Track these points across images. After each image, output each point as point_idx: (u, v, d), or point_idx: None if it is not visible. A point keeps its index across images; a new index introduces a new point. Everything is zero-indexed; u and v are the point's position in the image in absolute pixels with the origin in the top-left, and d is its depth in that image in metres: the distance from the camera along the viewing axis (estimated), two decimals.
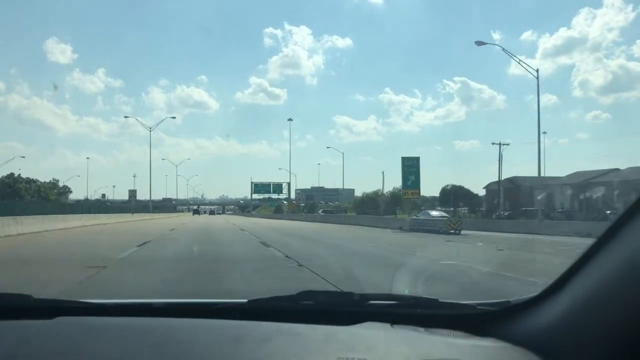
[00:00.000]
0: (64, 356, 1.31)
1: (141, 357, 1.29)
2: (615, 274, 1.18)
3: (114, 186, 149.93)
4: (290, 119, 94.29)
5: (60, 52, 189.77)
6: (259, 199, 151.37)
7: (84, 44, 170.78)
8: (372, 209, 71.85)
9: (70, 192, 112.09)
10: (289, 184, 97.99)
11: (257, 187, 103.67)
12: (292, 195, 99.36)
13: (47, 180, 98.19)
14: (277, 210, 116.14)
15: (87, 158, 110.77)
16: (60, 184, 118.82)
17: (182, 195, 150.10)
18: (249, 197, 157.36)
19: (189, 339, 1.38)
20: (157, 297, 2.66)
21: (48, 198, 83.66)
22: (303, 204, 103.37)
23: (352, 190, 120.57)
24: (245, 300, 1.72)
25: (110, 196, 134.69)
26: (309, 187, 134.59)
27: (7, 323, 1.53)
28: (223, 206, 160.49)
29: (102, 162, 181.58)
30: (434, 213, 32.55)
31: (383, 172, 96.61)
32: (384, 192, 77.37)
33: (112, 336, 1.45)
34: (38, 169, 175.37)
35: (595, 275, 1.24)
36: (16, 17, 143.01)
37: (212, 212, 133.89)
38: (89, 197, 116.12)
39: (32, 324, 1.53)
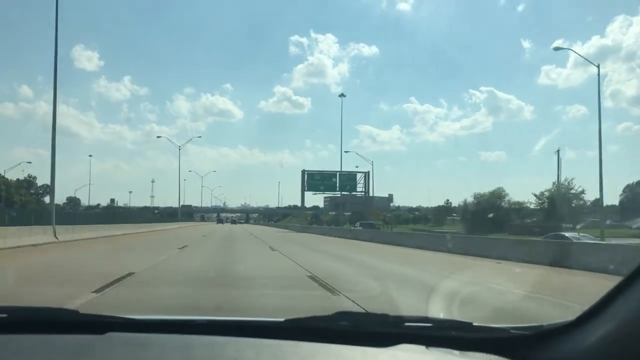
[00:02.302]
0: None
1: None
2: None
3: (130, 192, 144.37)
4: (342, 95, 64.91)
5: (87, 59, 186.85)
6: (284, 207, 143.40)
7: (111, 51, 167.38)
8: (494, 222, 54.19)
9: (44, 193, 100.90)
10: (367, 174, 67.62)
11: (312, 180, 67.82)
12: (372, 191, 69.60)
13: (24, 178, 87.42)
14: (315, 220, 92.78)
15: (90, 156, 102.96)
16: (73, 192, 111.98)
17: (204, 203, 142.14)
18: (270, 205, 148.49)
19: (232, 355, 1.43)
20: None
21: (12, 200, 73.34)
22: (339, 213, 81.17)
23: (388, 198, 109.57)
24: (282, 320, 1.75)
25: (122, 202, 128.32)
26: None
27: (60, 337, 1.59)
28: (246, 214, 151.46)
29: (125, 169, 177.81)
30: None
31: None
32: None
33: (162, 352, 1.52)
34: (61, 176, 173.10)
35: (633, 302, 1.25)
36: (43, 23, 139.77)
37: (233, 222, 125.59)
38: (89, 203, 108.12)
39: (84, 339, 1.57)
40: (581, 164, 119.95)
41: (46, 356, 1.43)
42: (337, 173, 68.01)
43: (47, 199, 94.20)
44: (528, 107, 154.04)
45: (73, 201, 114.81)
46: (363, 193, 69.18)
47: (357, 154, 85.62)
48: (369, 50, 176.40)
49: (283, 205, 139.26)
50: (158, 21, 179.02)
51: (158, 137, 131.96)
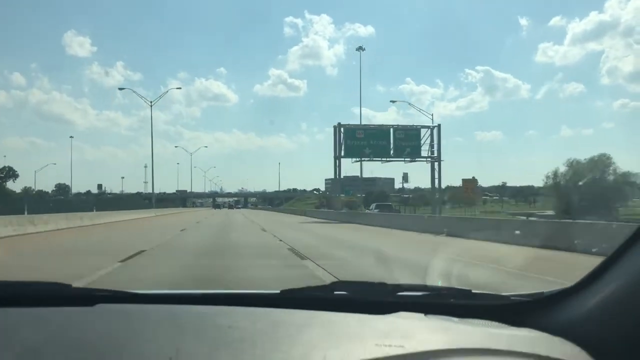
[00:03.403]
0: (104, 340, 1.31)
1: (181, 341, 1.28)
2: None
3: (122, 177, 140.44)
4: (360, 48, 54.06)
5: (78, 45, 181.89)
6: (284, 191, 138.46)
7: (103, 36, 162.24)
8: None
9: (17, 175, 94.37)
10: (436, 128, 45.41)
11: (353, 140, 44.30)
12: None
13: None
14: (325, 203, 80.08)
15: (71, 137, 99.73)
16: (69, 180, 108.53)
17: (199, 189, 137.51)
18: (267, 190, 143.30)
19: (227, 323, 1.39)
20: None
21: None
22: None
23: (392, 180, 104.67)
24: (279, 291, 1.73)
25: (115, 189, 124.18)
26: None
27: (49, 310, 1.56)
28: (244, 198, 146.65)
29: (121, 155, 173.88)
30: None
31: None
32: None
33: (152, 322, 1.48)
34: (54, 165, 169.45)
35: (632, 266, 1.26)
36: (34, 9, 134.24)
37: (230, 206, 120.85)
38: (73, 191, 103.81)
39: (74, 311, 1.57)
40: (579, 142, 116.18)
41: (33, 328, 1.40)
42: (391, 129, 45.66)
43: (9, 184, 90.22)
44: (525, 85, 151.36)
45: (62, 188, 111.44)
46: (429, 159, 45.44)
47: (410, 104, 65.40)
48: (364, 30, 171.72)
49: (282, 189, 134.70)
50: (149, 5, 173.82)
51: (120, 88, 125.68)
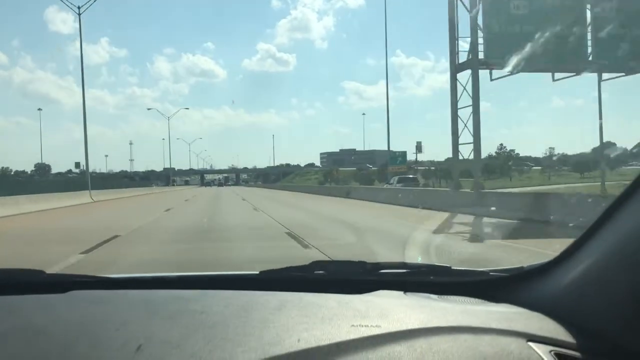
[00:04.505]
0: (77, 327, 1.30)
1: (154, 327, 1.28)
2: (630, 238, 1.18)
3: (106, 156, 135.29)
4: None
5: (61, 21, 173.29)
6: (278, 166, 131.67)
7: (86, 11, 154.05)
8: None
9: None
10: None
11: None
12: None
13: None
14: (328, 175, 69.88)
15: (39, 109, 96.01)
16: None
17: (188, 166, 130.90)
18: (258, 167, 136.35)
19: (201, 309, 1.37)
20: None
21: None
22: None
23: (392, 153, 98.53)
24: (257, 272, 1.72)
25: (98, 167, 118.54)
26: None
27: (22, 297, 1.54)
28: (236, 175, 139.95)
29: (109, 135, 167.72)
30: None
31: None
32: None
33: (125, 307, 1.46)
34: (45, 144, 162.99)
35: (609, 239, 1.24)
36: None
37: (220, 184, 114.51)
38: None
39: (46, 298, 1.55)
40: (571, 112, 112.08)
41: (3, 317, 1.38)
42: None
43: None
44: None
45: (42, 168, 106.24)
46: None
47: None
48: (354, 1, 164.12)
49: (276, 164, 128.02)
50: None
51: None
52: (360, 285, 1.58)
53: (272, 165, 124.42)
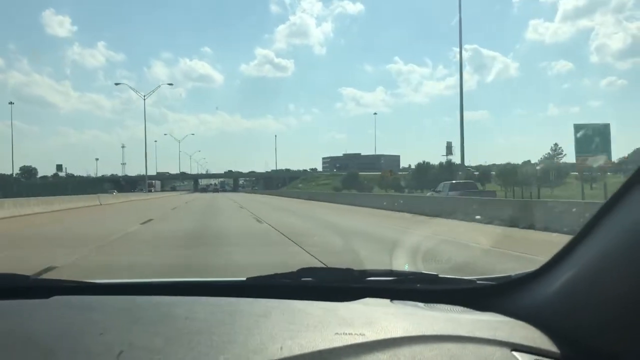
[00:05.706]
0: (59, 333, 1.29)
1: (136, 333, 1.26)
2: (616, 245, 1.17)
3: (96, 159, 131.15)
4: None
5: (58, 24, 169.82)
6: (280, 170, 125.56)
7: (83, 15, 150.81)
8: None
9: None
10: None
11: None
12: None
13: None
14: (349, 181, 58.08)
15: (11, 103, 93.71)
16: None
17: (183, 170, 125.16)
18: (256, 171, 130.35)
19: (185, 315, 1.36)
20: None
21: None
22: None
23: (397, 157, 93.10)
24: (244, 278, 1.71)
25: (88, 171, 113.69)
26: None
27: (5, 302, 1.53)
28: (234, 179, 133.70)
29: (105, 139, 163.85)
30: None
31: None
32: None
33: (108, 313, 1.45)
34: (39, 149, 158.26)
35: (596, 247, 1.24)
36: None
37: (216, 190, 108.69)
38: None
39: (28, 303, 1.54)
40: (565, 121, 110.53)
41: None
42: None
43: None
44: (514, 63, 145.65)
45: (28, 171, 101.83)
46: None
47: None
48: (353, 7, 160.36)
49: (275, 169, 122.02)
50: None
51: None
52: (347, 293, 1.57)
53: (275, 169, 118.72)
